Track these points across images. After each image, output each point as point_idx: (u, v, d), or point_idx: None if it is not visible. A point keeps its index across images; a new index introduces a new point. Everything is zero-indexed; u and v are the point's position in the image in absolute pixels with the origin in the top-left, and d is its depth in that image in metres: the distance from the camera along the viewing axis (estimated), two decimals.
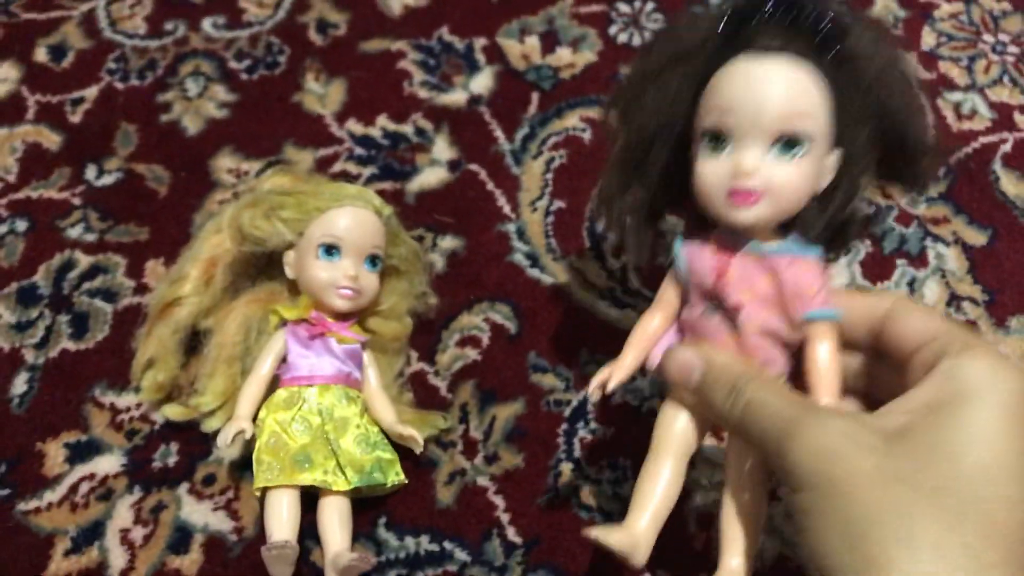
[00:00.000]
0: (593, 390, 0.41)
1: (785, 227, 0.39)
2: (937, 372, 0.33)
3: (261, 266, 0.55)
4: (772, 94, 0.36)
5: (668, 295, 0.42)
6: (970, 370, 0.33)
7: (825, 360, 0.38)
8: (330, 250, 0.51)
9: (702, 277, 0.39)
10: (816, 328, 0.38)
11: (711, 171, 0.38)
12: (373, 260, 0.53)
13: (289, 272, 0.53)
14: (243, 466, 0.52)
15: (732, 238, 0.39)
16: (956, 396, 0.32)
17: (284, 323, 0.52)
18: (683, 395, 0.40)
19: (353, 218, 0.52)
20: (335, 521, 0.49)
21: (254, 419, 0.50)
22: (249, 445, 0.51)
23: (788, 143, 0.36)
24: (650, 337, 0.41)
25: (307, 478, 0.48)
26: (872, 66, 0.37)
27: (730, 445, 0.40)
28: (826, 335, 0.38)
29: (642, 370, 0.42)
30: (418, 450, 0.51)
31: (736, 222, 0.38)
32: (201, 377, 0.53)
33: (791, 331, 0.38)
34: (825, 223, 0.39)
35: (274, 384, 0.52)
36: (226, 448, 0.50)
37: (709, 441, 0.52)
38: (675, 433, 0.40)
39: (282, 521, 0.48)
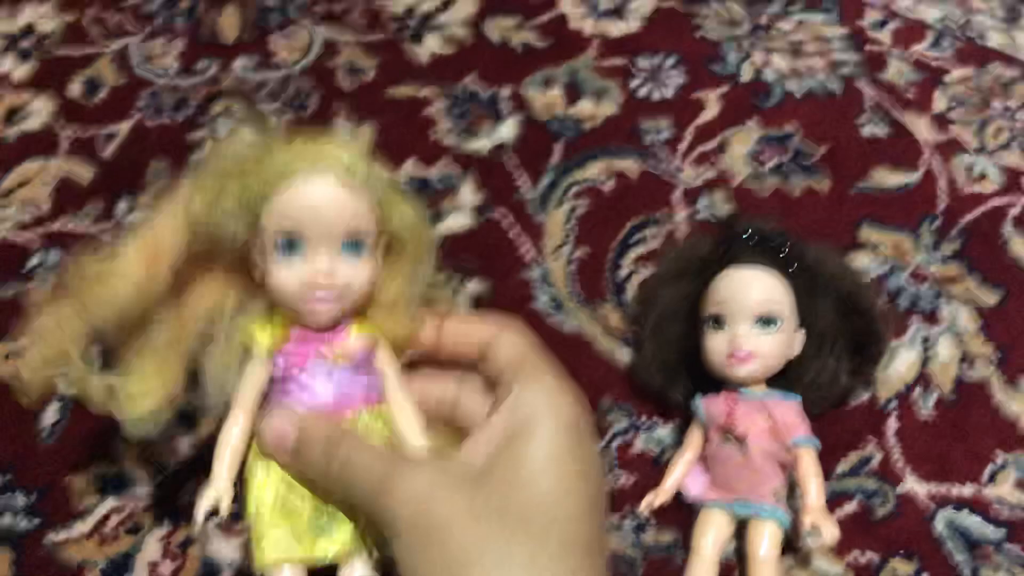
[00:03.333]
0: (644, 509, 0.53)
1: (770, 381, 0.53)
2: (507, 401, 0.37)
3: (226, 259, 0.41)
4: (753, 290, 0.52)
5: (694, 437, 0.54)
6: (531, 397, 0.37)
7: (809, 469, 0.50)
8: (290, 244, 0.38)
9: (716, 417, 0.52)
10: (801, 450, 0.50)
11: (714, 344, 0.53)
12: (354, 244, 0.39)
13: (256, 277, 0.40)
14: None
15: (734, 390, 0.52)
16: (522, 426, 0.36)
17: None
18: (282, 460, 0.40)
19: (312, 194, 0.38)
20: None
21: (240, 470, 0.40)
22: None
23: (766, 322, 0.52)
24: (683, 468, 0.53)
25: (330, 548, 0.39)
26: (823, 272, 0.54)
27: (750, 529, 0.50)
28: (809, 454, 0.50)
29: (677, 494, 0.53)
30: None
31: (736, 376, 0.52)
32: (131, 355, 0.42)
33: (784, 452, 0.50)
34: (807, 385, 0.54)
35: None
36: (200, 526, 0.39)
37: None
38: (709, 537, 0.51)
39: None
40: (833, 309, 0.54)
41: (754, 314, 0.52)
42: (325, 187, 0.38)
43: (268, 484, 0.39)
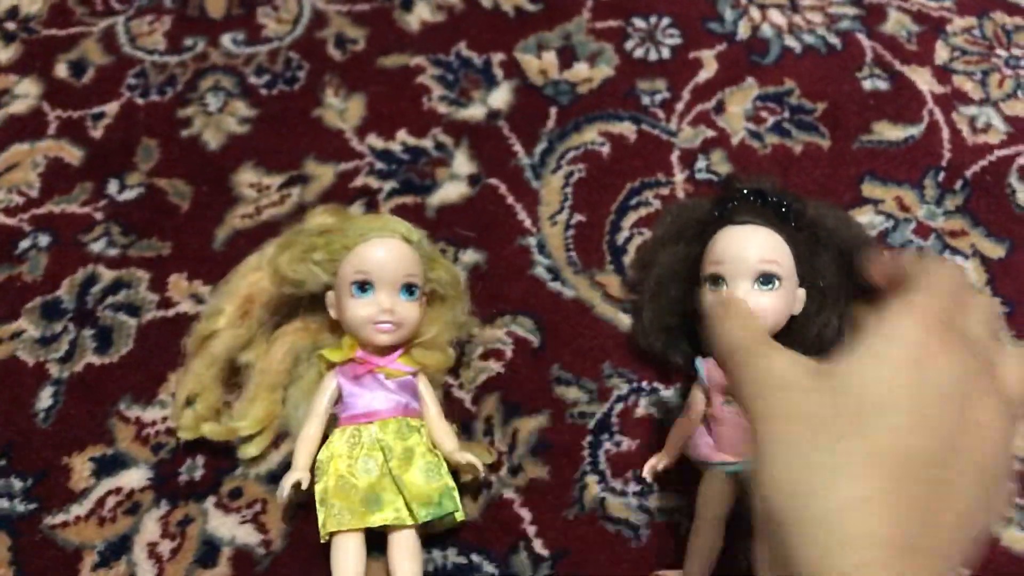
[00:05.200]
0: (647, 474, 0.52)
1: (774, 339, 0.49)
2: (876, 316, 0.38)
3: (305, 304, 0.55)
4: (752, 248, 0.51)
5: (695, 401, 0.52)
6: (890, 312, 0.38)
7: None
8: (363, 286, 0.51)
9: (717, 379, 0.51)
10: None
11: (713, 301, 0.51)
12: (409, 289, 0.52)
13: (332, 312, 0.53)
14: (270, 480, 0.53)
15: None
16: (876, 333, 0.37)
17: (332, 365, 0.52)
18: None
19: (381, 250, 0.52)
20: (406, 558, 0.49)
21: (314, 461, 0.51)
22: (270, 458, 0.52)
23: (765, 280, 0.50)
24: (686, 430, 0.52)
25: (378, 519, 0.48)
26: (824, 228, 0.54)
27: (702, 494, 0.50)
28: None
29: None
30: (480, 476, 0.51)
31: None
32: (241, 401, 0.53)
33: None
34: (811, 342, 0.53)
35: (331, 424, 0.52)
36: (283, 500, 0.49)
37: None
38: (714, 499, 0.50)
39: (350, 567, 0.48)
40: (835, 265, 0.53)
41: (753, 272, 0.50)
42: (390, 246, 0.52)
43: (331, 471, 0.50)
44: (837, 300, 0.53)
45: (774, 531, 0.35)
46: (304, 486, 0.49)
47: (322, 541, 0.49)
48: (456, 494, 0.50)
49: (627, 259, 0.61)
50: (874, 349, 0.37)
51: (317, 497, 0.49)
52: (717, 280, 0.51)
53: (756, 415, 0.38)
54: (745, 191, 0.53)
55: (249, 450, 0.53)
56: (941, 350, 0.37)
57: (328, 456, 0.50)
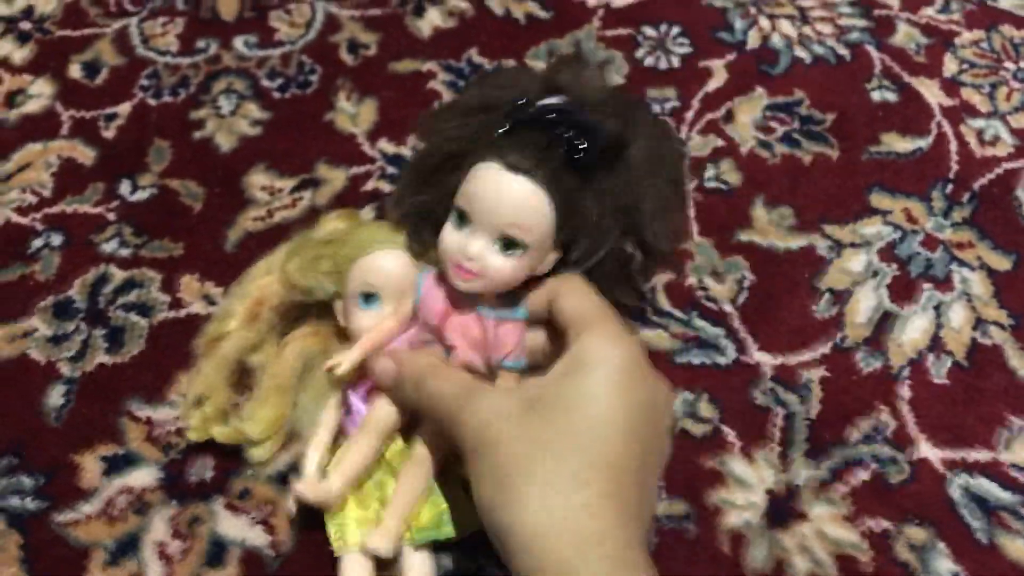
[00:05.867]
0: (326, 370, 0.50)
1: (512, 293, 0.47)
2: (570, 349, 0.43)
3: (316, 308, 0.55)
4: (504, 204, 0.44)
5: (403, 305, 0.50)
6: (590, 343, 0.42)
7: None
8: (368, 298, 0.51)
9: (429, 316, 0.48)
10: (504, 371, 0.47)
11: (451, 239, 0.46)
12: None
13: (340, 320, 0.53)
14: (280, 481, 0.53)
15: (461, 293, 0.47)
16: (580, 364, 0.41)
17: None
18: (386, 391, 0.49)
19: (387, 262, 0.51)
20: (420, 571, 0.48)
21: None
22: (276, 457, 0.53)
23: (508, 244, 0.44)
24: (384, 336, 0.50)
25: None
26: (623, 178, 0.47)
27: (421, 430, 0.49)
28: (510, 378, 0.47)
29: None
30: None
31: (457, 288, 0.46)
32: (250, 403, 0.53)
33: (486, 371, 0.47)
34: (614, 274, 0.49)
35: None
36: (291, 512, 0.50)
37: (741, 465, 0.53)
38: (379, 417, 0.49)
39: None
40: (612, 219, 0.47)
41: (497, 231, 0.44)
42: (397, 257, 0.51)
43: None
44: (603, 244, 0.47)
45: (512, 552, 0.39)
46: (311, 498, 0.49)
47: (335, 555, 0.48)
48: (447, 517, 0.49)
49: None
50: (585, 372, 0.41)
51: (327, 512, 0.49)
52: (463, 217, 0.45)
53: (471, 450, 0.41)
54: (532, 112, 0.46)
55: (258, 453, 0.53)
56: (648, 372, 0.43)
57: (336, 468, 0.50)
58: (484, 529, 0.41)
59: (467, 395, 0.43)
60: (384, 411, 0.49)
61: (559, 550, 0.37)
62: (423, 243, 0.50)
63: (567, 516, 0.38)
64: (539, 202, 0.44)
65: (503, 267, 0.45)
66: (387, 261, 0.51)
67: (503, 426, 0.41)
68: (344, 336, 0.54)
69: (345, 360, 0.49)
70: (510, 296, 0.47)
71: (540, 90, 0.48)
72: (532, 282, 0.47)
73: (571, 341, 0.43)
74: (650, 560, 0.39)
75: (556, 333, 0.46)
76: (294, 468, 0.52)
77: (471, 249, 0.45)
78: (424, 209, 0.50)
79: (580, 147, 0.44)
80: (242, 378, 0.54)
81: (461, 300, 0.47)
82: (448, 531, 0.49)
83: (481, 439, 0.41)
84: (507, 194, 0.44)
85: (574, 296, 0.46)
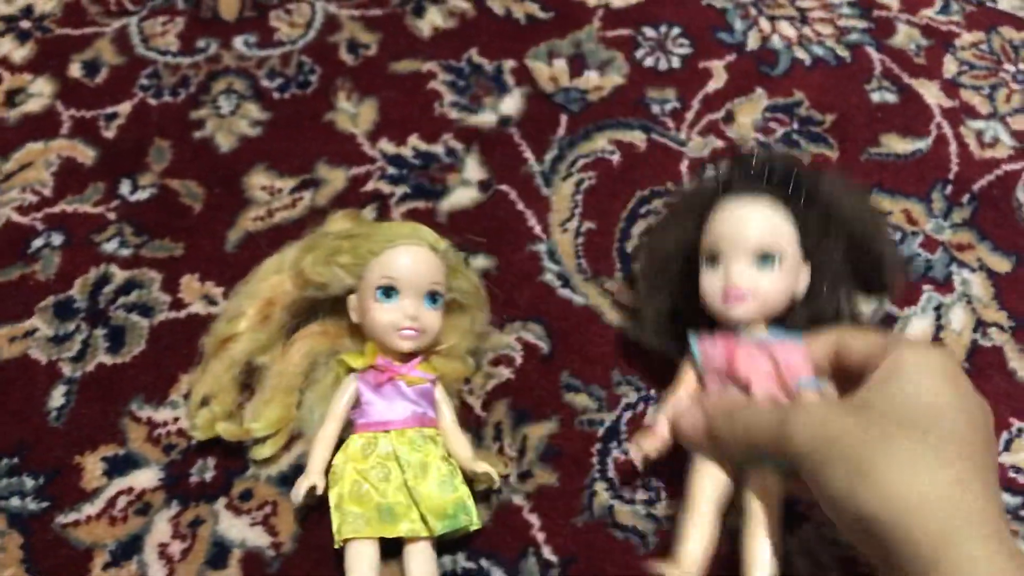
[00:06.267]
0: (636, 459, 0.52)
1: (777, 321, 0.50)
2: (884, 362, 0.43)
3: (325, 308, 0.55)
4: (750, 223, 0.48)
5: (686, 378, 0.51)
6: (904, 353, 0.43)
7: None
8: (388, 292, 0.51)
9: (714, 361, 0.49)
10: (807, 394, 0.47)
11: (710, 283, 0.49)
12: (433, 297, 0.52)
13: (353, 316, 0.53)
14: (281, 482, 0.53)
15: (733, 332, 0.49)
16: (898, 372, 0.42)
17: (351, 369, 0.52)
18: (698, 443, 0.48)
19: (407, 257, 0.52)
20: (423, 571, 0.49)
21: (328, 465, 0.50)
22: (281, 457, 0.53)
23: (764, 258, 0.48)
24: (676, 411, 0.49)
25: (394, 530, 0.48)
26: (834, 203, 0.50)
27: (751, 484, 0.47)
28: (813, 397, 0.47)
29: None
30: (494, 487, 0.51)
31: (732, 316, 0.49)
32: (256, 402, 0.53)
33: (788, 398, 0.47)
34: (810, 318, 0.50)
35: (347, 429, 0.51)
36: (297, 503, 0.49)
37: None
38: (707, 484, 0.47)
39: (364, 574, 0.48)
40: (842, 247, 0.51)
41: (751, 250, 0.48)
42: (419, 251, 0.52)
43: (347, 477, 0.49)
44: (838, 281, 0.51)
45: (877, 535, 0.38)
46: (319, 491, 0.49)
47: (336, 547, 0.49)
48: (471, 503, 0.50)
49: (636, 268, 0.62)
50: (908, 374, 0.41)
51: (332, 502, 0.49)
52: (714, 258, 0.49)
53: (807, 454, 0.41)
54: (751, 161, 0.51)
55: (262, 451, 0.53)
56: (963, 372, 0.42)
57: (344, 461, 0.50)
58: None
59: (785, 411, 0.43)
60: (705, 478, 0.48)
61: (936, 524, 0.36)
62: (678, 343, 0.52)
63: (939, 491, 0.37)
64: (776, 212, 0.49)
65: (770, 282, 0.48)
66: (410, 256, 0.52)
67: (842, 422, 0.41)
68: (354, 334, 0.54)
69: (652, 441, 0.49)
70: (780, 326, 0.50)
71: (741, 161, 0.53)
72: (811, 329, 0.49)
73: (876, 362, 0.43)
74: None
75: (842, 383, 0.47)
76: (298, 468, 0.52)
77: (733, 275, 0.48)
78: (666, 314, 0.54)
79: (791, 176, 0.50)
80: (247, 377, 0.54)
81: (737, 341, 0.49)
82: (470, 520, 0.49)
83: (821, 438, 0.41)
84: (750, 215, 0.49)
85: (860, 334, 0.47)
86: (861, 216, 0.51)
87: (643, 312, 0.54)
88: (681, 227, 0.53)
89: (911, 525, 0.37)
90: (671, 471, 0.52)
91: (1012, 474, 0.53)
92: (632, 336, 0.56)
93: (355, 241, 0.52)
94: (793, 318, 0.50)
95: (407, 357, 0.52)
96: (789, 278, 0.49)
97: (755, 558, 0.45)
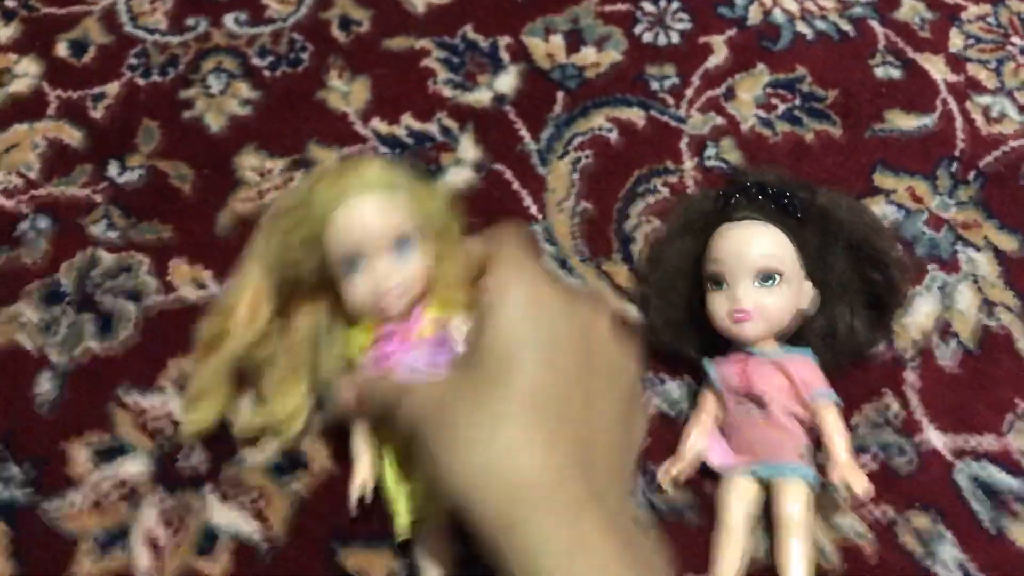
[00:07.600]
0: (664, 483, 0.51)
1: (790, 337, 0.52)
2: (486, 293, 0.41)
3: (313, 278, 0.50)
4: (750, 245, 0.50)
5: (707, 403, 0.52)
6: (491, 280, 0.41)
7: (832, 424, 0.48)
8: (351, 262, 0.47)
9: (730, 380, 0.51)
10: (822, 404, 0.49)
11: (716, 304, 0.51)
12: (401, 244, 0.47)
13: (342, 295, 0.49)
14: (270, 469, 0.52)
15: (744, 350, 0.51)
16: (489, 302, 0.40)
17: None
18: (354, 416, 0.49)
19: (355, 216, 0.46)
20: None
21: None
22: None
23: (766, 277, 0.50)
24: (700, 435, 0.51)
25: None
26: (834, 220, 0.52)
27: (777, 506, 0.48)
28: (830, 408, 0.49)
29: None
30: None
31: (741, 336, 0.50)
32: (268, 389, 0.51)
33: (804, 410, 0.49)
34: (821, 339, 0.52)
35: None
36: (355, 508, 0.47)
37: None
38: (736, 504, 0.49)
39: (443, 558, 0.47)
40: (845, 259, 0.52)
41: (753, 270, 0.50)
42: (364, 207, 0.46)
43: (387, 467, 0.47)
44: (846, 293, 0.52)
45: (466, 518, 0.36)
46: (369, 489, 0.47)
47: (402, 537, 0.47)
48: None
49: (635, 248, 0.60)
50: (491, 313, 0.39)
51: (389, 488, 0.47)
52: (718, 279, 0.51)
53: (419, 420, 0.40)
54: (745, 185, 0.52)
55: (293, 426, 0.51)
56: (551, 296, 0.40)
57: (378, 450, 0.48)
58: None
59: (402, 389, 0.42)
60: (732, 493, 0.49)
61: (495, 497, 0.35)
62: (695, 346, 0.54)
63: (495, 456, 0.36)
64: (776, 233, 0.50)
65: (773, 301, 0.50)
66: (362, 210, 0.46)
67: (435, 390, 0.40)
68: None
69: (679, 465, 0.50)
70: (792, 342, 0.52)
71: (737, 184, 0.53)
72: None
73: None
74: (628, 524, 0.37)
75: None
76: (288, 457, 0.52)
77: (738, 295, 0.50)
78: (679, 324, 0.54)
79: (787, 195, 0.51)
80: (241, 374, 0.53)
81: (749, 359, 0.51)
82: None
83: (420, 410, 0.40)
84: (751, 236, 0.50)
85: (474, 247, 0.46)
86: (858, 222, 0.53)
87: (657, 324, 0.55)
88: (686, 244, 0.54)
89: (479, 499, 0.36)
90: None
91: (1018, 457, 0.52)
92: (652, 343, 0.55)
93: (298, 216, 0.48)
94: (804, 334, 0.52)
95: (407, 312, 0.48)
96: (792, 295, 0.51)
97: (788, 568, 0.47)
